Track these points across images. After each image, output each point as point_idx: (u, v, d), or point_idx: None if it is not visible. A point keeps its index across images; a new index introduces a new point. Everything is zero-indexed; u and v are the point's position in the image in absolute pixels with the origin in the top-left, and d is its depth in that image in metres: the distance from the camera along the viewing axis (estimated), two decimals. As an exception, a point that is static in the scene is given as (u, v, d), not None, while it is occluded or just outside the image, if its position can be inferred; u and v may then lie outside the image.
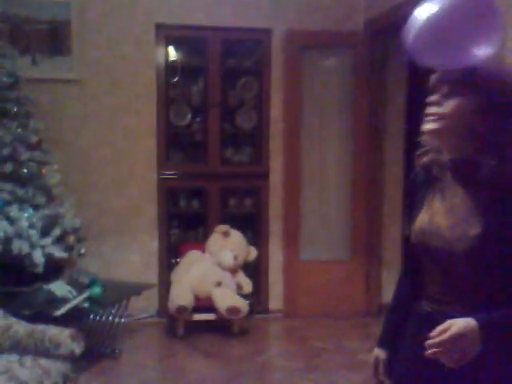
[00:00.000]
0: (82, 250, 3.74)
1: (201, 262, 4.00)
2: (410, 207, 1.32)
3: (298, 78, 4.35)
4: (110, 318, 3.60)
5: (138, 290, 3.72)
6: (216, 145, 4.38)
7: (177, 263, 4.12)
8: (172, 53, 4.41)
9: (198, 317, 3.88)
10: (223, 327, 3.94)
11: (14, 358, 2.29)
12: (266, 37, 4.35)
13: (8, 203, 3.27)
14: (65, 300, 3.19)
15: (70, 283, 3.43)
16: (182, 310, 3.72)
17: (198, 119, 4.42)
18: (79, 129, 4.15)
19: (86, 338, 2.52)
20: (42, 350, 2.32)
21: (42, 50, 4.05)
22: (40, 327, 2.42)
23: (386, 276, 4.43)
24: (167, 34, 4.28)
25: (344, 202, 4.45)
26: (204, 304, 3.85)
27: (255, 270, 4.37)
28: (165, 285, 4.12)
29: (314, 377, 3.25)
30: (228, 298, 3.79)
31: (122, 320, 3.63)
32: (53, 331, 2.39)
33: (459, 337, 1.09)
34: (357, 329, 4.09)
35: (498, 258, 1.15)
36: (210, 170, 4.36)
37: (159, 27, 4.22)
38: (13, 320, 2.49)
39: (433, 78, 1.23)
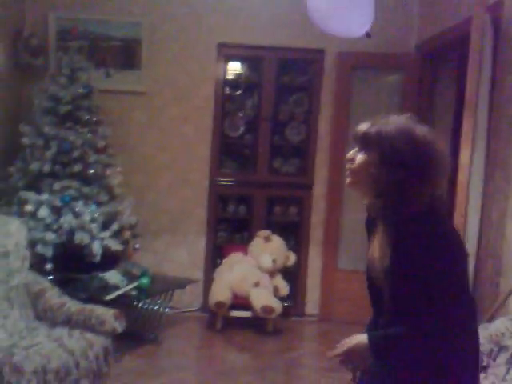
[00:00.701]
0: (137, 245, 4.17)
1: (242, 263, 4.31)
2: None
3: (347, 96, 4.57)
4: (156, 307, 4.00)
5: (182, 284, 4.09)
6: (265, 155, 4.69)
7: (221, 263, 4.46)
8: (230, 69, 4.78)
9: (235, 313, 4.20)
10: (259, 325, 4.22)
11: (65, 330, 2.70)
12: (319, 57, 4.61)
13: (74, 199, 3.72)
14: (116, 287, 3.60)
15: (123, 273, 3.83)
16: (220, 305, 4.06)
17: (250, 131, 4.75)
18: (142, 136, 4.60)
19: (132, 323, 2.87)
20: (89, 326, 2.71)
21: (115, 64, 4.51)
22: (89, 306, 2.83)
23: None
24: (227, 52, 4.64)
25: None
26: (242, 302, 4.16)
27: (294, 274, 4.63)
28: (209, 282, 4.47)
29: (337, 375, 3.43)
30: (264, 297, 4.08)
31: (167, 310, 4.02)
32: (99, 310, 2.79)
33: (352, 349, 1.41)
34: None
35: (400, 288, 1.38)
36: (259, 178, 4.67)
37: (220, 46, 4.59)
38: (67, 298, 2.91)
39: (352, 135, 1.48)
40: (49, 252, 3.56)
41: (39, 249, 3.51)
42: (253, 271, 4.24)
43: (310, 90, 4.72)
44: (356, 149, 1.44)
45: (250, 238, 4.55)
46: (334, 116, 4.59)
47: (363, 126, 1.43)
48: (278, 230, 4.52)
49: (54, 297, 2.88)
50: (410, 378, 1.40)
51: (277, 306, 4.06)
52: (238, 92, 4.76)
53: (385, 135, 1.36)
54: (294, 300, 4.61)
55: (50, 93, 3.77)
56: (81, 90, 3.87)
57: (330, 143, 4.60)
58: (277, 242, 4.36)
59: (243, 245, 4.55)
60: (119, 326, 2.76)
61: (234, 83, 4.77)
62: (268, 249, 4.28)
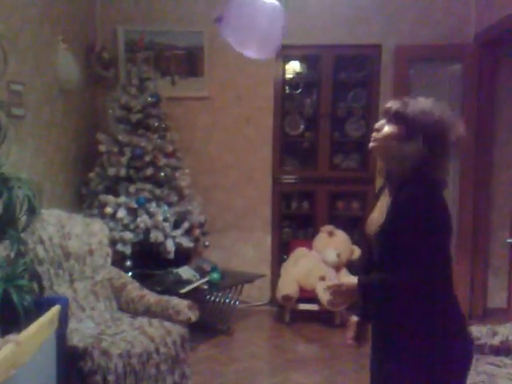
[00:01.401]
0: (206, 243, 4.39)
1: (307, 257, 4.43)
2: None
3: (405, 90, 4.56)
4: (227, 300, 4.20)
5: (250, 278, 4.27)
6: (326, 152, 4.78)
7: (286, 258, 4.60)
8: (289, 69, 4.91)
9: (302, 306, 4.32)
10: (326, 318, 4.32)
11: (145, 319, 2.94)
12: (376, 52, 4.66)
13: (148, 200, 3.99)
14: (189, 282, 3.83)
15: (194, 269, 4.06)
16: (287, 298, 4.20)
17: (310, 129, 4.86)
18: (207, 138, 4.83)
19: (205, 315, 3.05)
20: (166, 315, 2.94)
21: (179, 72, 4.76)
22: (165, 298, 3.06)
23: (493, 281, 4.47)
24: (286, 53, 4.76)
25: (450, 206, 4.55)
26: (309, 296, 4.27)
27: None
28: (276, 277, 4.62)
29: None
30: (330, 291, 4.17)
31: (237, 304, 4.21)
32: (175, 301, 3.01)
33: (342, 284, 1.64)
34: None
35: (387, 242, 1.60)
36: (320, 174, 4.77)
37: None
38: (146, 291, 3.16)
39: (382, 109, 1.67)
40: (128, 250, 3.84)
41: (119, 247, 3.79)
42: (318, 265, 4.35)
43: (368, 85, 4.77)
44: (384, 120, 1.65)
45: (314, 233, 4.65)
46: (394, 109, 4.61)
47: (395, 103, 1.63)
48: (342, 225, 4.60)
49: (135, 290, 3.14)
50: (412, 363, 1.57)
51: (343, 298, 4.14)
52: (297, 91, 4.89)
53: (412, 114, 1.58)
54: (360, 293, 4.66)
55: (122, 102, 4.06)
56: (150, 99, 4.13)
57: (390, 137, 4.62)
58: (341, 236, 4.44)
59: (308, 240, 4.66)
60: (193, 316, 2.96)
61: (293, 82, 4.91)
62: (332, 243, 4.38)
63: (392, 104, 1.63)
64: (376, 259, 1.67)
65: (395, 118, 1.60)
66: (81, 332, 2.44)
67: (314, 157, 4.84)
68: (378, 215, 1.67)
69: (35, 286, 2.28)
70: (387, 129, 1.62)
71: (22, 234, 2.31)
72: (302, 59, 4.92)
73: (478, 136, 4.40)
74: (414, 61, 4.56)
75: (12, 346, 1.69)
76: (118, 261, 3.71)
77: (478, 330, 2.40)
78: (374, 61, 4.69)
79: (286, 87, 4.90)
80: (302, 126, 4.84)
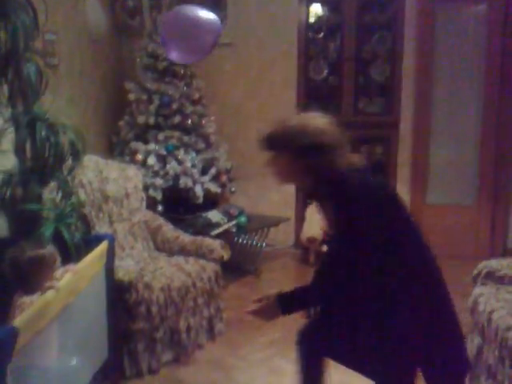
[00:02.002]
0: (233, 188, 4.52)
1: (331, 201, 4.54)
2: None
3: (430, 31, 4.52)
4: (254, 243, 4.38)
5: (276, 222, 4.42)
6: (350, 96, 4.80)
7: (310, 202, 4.72)
8: (312, 13, 4.87)
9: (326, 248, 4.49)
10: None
11: (181, 258, 3.12)
12: (401, -8, 4.59)
13: (176, 148, 4.11)
14: (218, 225, 3.99)
15: (222, 213, 4.22)
16: (311, 240, 4.36)
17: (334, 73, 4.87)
18: (231, 86, 4.87)
19: (234, 257, 3.21)
20: (200, 254, 3.12)
21: (202, 19, 4.78)
22: (199, 238, 3.24)
23: (513, 221, 4.56)
24: (308, -4, 4.73)
25: (473, 147, 4.61)
26: (333, 237, 4.42)
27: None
28: (300, 221, 4.77)
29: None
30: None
31: (264, 245, 4.39)
32: (208, 241, 3.18)
33: (263, 303, 1.75)
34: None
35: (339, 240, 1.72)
36: (344, 119, 4.75)
37: (301, -10, 4.69)
38: (180, 232, 3.33)
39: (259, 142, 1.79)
40: (159, 195, 4.00)
41: (151, 192, 3.95)
42: (342, 208, 4.46)
43: (393, 27, 4.71)
44: (270, 154, 1.76)
45: (339, 177, 4.73)
46: (419, 52, 4.57)
47: (267, 133, 1.76)
48: (365, 170, 4.67)
49: (170, 231, 3.32)
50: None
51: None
52: (321, 35, 4.86)
53: (286, 136, 1.71)
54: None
55: (149, 50, 4.11)
56: (175, 46, 4.17)
57: (415, 79, 4.61)
58: (364, 179, 4.52)
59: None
60: (226, 254, 3.14)
61: (316, 26, 4.87)
62: (356, 186, 4.47)
63: (266, 134, 1.75)
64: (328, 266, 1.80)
65: (275, 145, 1.73)
66: (124, 268, 2.63)
67: (337, 101, 4.86)
68: (325, 218, 1.79)
69: (82, 225, 2.44)
70: (276, 159, 1.74)
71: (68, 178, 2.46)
72: (323, 2, 4.86)
73: (503, 80, 4.37)
74: (438, 1, 4.49)
75: (70, 275, 1.87)
76: (151, 205, 3.88)
77: (498, 263, 2.52)
78: (398, 2, 4.61)
79: (310, 31, 4.87)
80: (326, 71, 4.84)
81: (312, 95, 4.93)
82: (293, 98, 4.83)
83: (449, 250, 4.57)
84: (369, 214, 1.60)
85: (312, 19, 4.87)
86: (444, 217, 4.64)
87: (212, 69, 4.78)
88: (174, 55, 2.92)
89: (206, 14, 2.84)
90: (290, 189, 4.93)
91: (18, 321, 1.44)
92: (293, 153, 1.69)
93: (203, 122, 4.30)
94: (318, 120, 1.76)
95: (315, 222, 4.44)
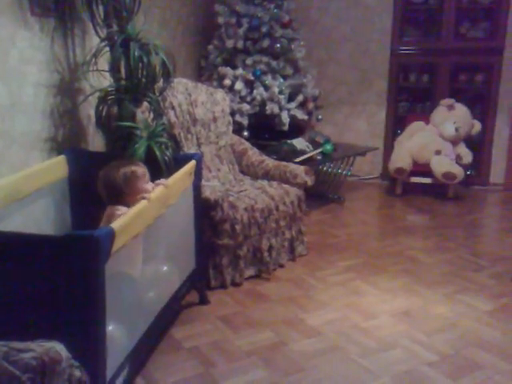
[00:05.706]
0: (320, 116, 4.46)
1: (423, 131, 4.35)
2: None
3: None
4: (339, 171, 4.34)
5: (362, 151, 4.33)
6: (451, 20, 4.45)
7: (401, 132, 4.55)
8: None
9: (415, 179, 4.36)
10: (439, 192, 4.34)
11: (265, 182, 3.18)
12: None
13: (264, 73, 4.07)
14: (303, 152, 3.98)
15: (308, 141, 4.19)
16: (400, 171, 4.24)
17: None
18: (323, 9, 4.69)
19: (318, 185, 3.19)
20: (284, 179, 3.15)
21: None
22: (283, 163, 3.26)
23: None
24: None
25: None
26: (422, 169, 4.28)
27: (479, 144, 4.54)
28: (389, 151, 4.64)
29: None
30: (445, 164, 4.14)
31: (349, 174, 4.34)
32: (292, 166, 3.20)
33: None
34: None
35: None
36: (443, 45, 4.50)
37: None
38: (265, 157, 3.37)
39: None
40: (245, 121, 4.03)
41: (237, 118, 3.99)
42: (434, 139, 4.28)
43: None
44: None
45: (432, 107, 4.51)
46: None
47: None
48: (463, 99, 4.40)
49: (255, 155, 3.37)
50: None
51: (459, 172, 4.10)
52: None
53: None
54: (477, 169, 4.58)
55: (239, -28, 4.01)
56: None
57: (527, 0, 4.18)
58: (461, 110, 4.27)
59: (425, 115, 4.55)
60: (309, 180, 3.15)
61: None
62: (451, 117, 4.24)
63: None
64: None
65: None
66: (211, 188, 2.73)
67: (437, 26, 4.54)
68: None
69: (173, 144, 2.54)
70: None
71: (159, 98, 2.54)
72: None
73: None
74: None
75: (162, 188, 1.98)
76: (237, 131, 3.93)
77: None
78: None
79: None
80: (426, -8, 4.50)
81: (410, 19, 4.63)
82: (389, 21, 4.57)
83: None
84: None
85: None
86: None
87: (303, -10, 4.62)
88: None
89: None
90: (380, 118, 4.78)
91: (114, 224, 1.56)
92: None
93: (292, 46, 4.20)
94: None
95: (405, 152, 4.31)
